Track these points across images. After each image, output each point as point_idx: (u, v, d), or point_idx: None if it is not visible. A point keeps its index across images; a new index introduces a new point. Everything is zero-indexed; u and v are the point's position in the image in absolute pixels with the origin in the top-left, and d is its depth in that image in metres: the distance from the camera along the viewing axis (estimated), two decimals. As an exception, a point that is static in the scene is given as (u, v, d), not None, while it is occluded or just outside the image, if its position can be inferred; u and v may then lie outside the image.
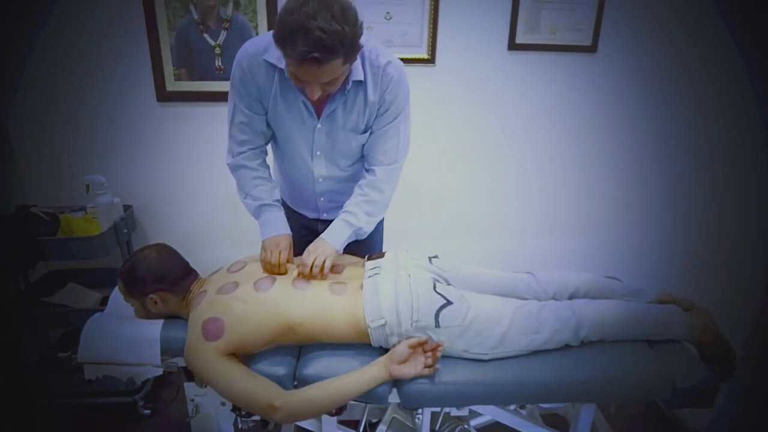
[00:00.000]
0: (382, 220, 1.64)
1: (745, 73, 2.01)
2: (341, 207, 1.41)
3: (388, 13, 1.84)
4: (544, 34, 1.91)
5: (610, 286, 1.48)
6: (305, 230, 1.58)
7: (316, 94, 1.14)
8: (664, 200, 2.24)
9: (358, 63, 1.22)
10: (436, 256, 1.44)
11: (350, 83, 1.23)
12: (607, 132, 2.11)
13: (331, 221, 1.40)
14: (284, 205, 1.60)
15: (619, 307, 1.36)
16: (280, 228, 1.38)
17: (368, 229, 1.41)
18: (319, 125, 1.32)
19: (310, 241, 1.37)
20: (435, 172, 2.11)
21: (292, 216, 1.60)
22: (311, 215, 1.57)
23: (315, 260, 1.28)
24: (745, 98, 2.06)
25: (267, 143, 1.43)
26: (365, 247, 1.52)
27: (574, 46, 1.94)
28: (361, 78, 1.24)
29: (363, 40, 1.23)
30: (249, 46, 1.26)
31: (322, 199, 1.50)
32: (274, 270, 1.31)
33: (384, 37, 1.86)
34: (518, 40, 1.91)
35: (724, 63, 2.03)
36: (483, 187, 2.16)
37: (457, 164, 2.12)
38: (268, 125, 1.36)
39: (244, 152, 1.37)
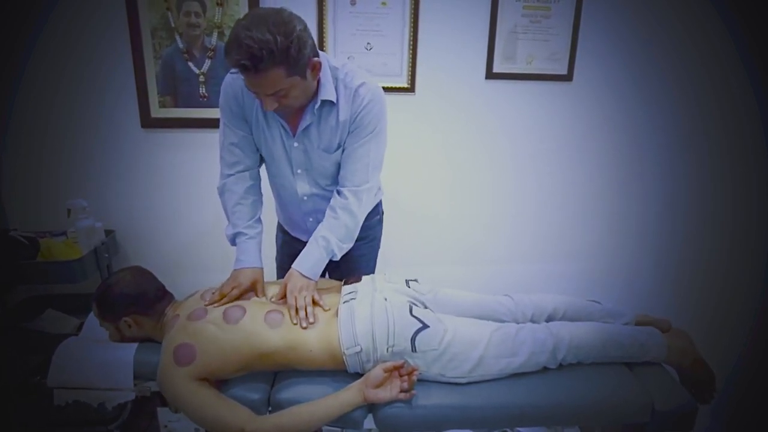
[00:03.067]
0: (379, 243, 1.65)
1: (722, 98, 2.04)
2: None
3: (368, 43, 1.89)
4: (520, 64, 1.97)
5: (588, 308, 1.48)
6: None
7: (270, 106, 1.19)
8: (646, 224, 2.26)
9: (330, 83, 1.27)
10: (414, 280, 1.44)
11: (319, 101, 1.27)
12: (583, 158, 2.15)
13: None
14: (284, 231, 1.63)
15: (596, 329, 1.36)
16: (249, 260, 1.36)
17: (339, 255, 1.40)
18: (295, 143, 1.35)
19: None
20: (416, 199, 2.12)
21: (290, 242, 1.61)
22: (304, 238, 1.54)
23: (304, 299, 1.27)
24: (724, 123, 2.09)
25: (258, 166, 1.44)
26: (358, 270, 1.52)
27: (550, 75, 1.99)
28: (333, 98, 1.28)
29: (339, 64, 1.30)
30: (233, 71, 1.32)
31: (310, 219, 1.50)
32: (222, 302, 1.28)
33: (365, 67, 1.90)
34: (495, 69, 1.96)
35: (699, 89, 2.07)
36: (463, 213, 2.18)
37: (437, 191, 2.14)
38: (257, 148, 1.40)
39: (233, 175, 1.39)
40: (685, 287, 2.25)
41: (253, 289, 1.34)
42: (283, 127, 1.33)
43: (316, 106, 1.28)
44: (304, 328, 1.23)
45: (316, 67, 1.21)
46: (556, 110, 2.06)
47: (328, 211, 1.39)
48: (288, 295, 1.29)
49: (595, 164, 2.16)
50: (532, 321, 1.42)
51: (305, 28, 1.16)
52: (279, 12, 1.13)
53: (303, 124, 1.31)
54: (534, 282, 2.24)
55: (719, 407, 1.74)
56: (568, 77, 2.00)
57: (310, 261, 1.36)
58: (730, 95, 2.07)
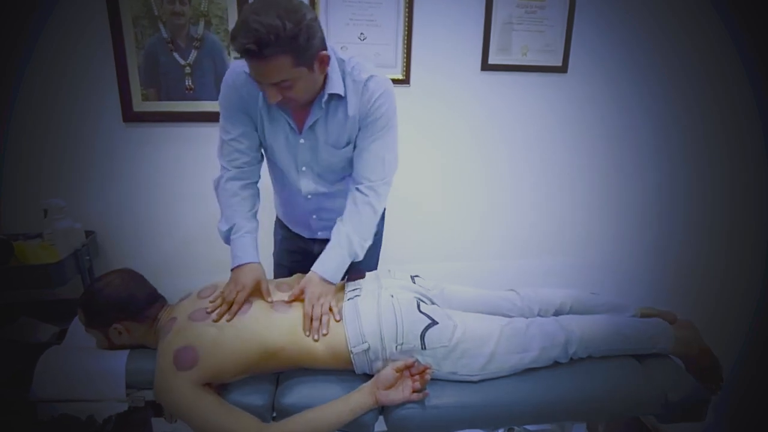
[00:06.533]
0: (381, 239, 1.61)
1: (716, 84, 2.07)
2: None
3: (362, 33, 1.86)
4: (515, 55, 1.97)
5: (593, 301, 1.47)
6: (300, 255, 1.54)
7: (273, 97, 1.14)
8: (643, 216, 2.27)
9: (338, 76, 1.23)
10: (417, 275, 1.41)
11: (326, 95, 1.22)
12: (578, 151, 2.15)
13: (326, 240, 1.35)
14: (283, 226, 1.58)
15: (606, 322, 1.35)
16: (247, 256, 1.27)
17: (362, 255, 1.35)
18: (302, 140, 1.30)
19: (302, 265, 1.33)
20: (411, 192, 2.09)
21: (290, 238, 1.57)
22: (306, 235, 1.53)
23: (322, 308, 1.21)
24: (719, 110, 2.12)
25: (258, 163, 1.38)
26: (360, 267, 1.46)
27: (544, 67, 2.00)
28: (341, 92, 1.23)
29: (347, 57, 1.26)
30: (235, 65, 1.27)
31: (314, 216, 1.46)
32: (232, 310, 1.19)
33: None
34: (491, 60, 1.96)
35: (697, 81, 2.09)
36: (459, 206, 2.16)
37: (432, 184, 2.11)
38: (260, 144, 1.35)
39: (231, 171, 1.33)
40: (685, 281, 2.27)
41: (257, 289, 1.25)
42: (288, 123, 1.28)
43: (324, 100, 1.23)
44: (316, 340, 1.17)
45: (324, 61, 1.16)
46: (551, 102, 2.06)
47: (349, 206, 1.33)
48: (306, 303, 1.22)
49: (591, 157, 2.17)
50: (540, 316, 1.40)
51: (315, 18, 1.11)
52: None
53: (310, 120, 1.26)
54: (530, 276, 2.21)
55: (720, 405, 1.75)
56: (562, 69, 2.01)
57: (333, 264, 1.30)
58: (729, 89, 2.09)
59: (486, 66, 1.96)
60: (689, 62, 2.06)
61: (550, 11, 1.92)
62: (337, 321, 1.21)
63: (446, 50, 1.93)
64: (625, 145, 2.17)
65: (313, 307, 1.21)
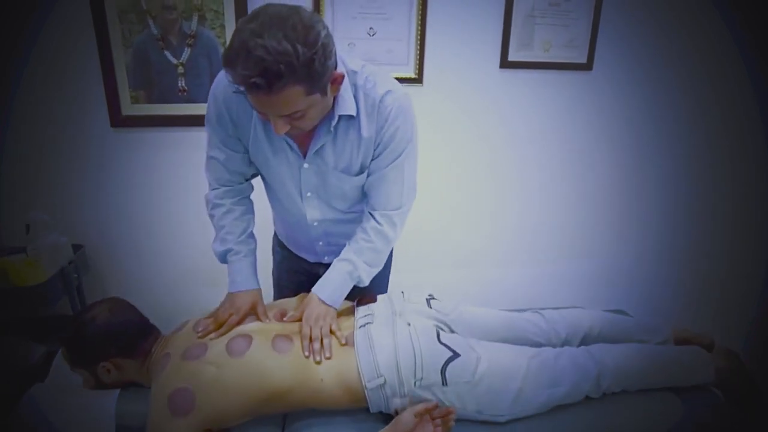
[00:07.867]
0: (392, 258, 1.49)
1: (749, 86, 2.00)
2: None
3: (371, 28, 1.74)
4: (537, 51, 1.86)
5: (622, 324, 1.38)
6: (303, 276, 1.43)
7: (282, 129, 0.98)
8: (662, 221, 2.22)
9: (348, 93, 1.05)
10: (433, 297, 1.31)
11: (336, 117, 1.06)
12: (603, 153, 2.07)
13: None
14: (284, 247, 1.48)
15: (640, 353, 1.26)
16: (246, 282, 1.22)
17: (367, 281, 1.25)
18: (306, 165, 1.15)
19: (307, 288, 1.24)
20: (422, 199, 1.97)
21: (291, 259, 1.46)
22: (311, 259, 1.42)
23: (320, 330, 1.13)
24: (750, 112, 2.05)
25: (248, 180, 1.28)
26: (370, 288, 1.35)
27: (568, 64, 1.89)
28: (352, 112, 1.06)
29: (358, 66, 1.09)
30: (223, 76, 1.09)
31: (320, 243, 1.34)
32: (221, 331, 1.15)
33: (367, 55, 1.75)
34: (511, 57, 1.85)
35: (725, 79, 2.02)
36: (473, 212, 2.08)
37: (445, 189, 2.02)
38: (250, 163, 1.22)
39: (219, 189, 1.24)
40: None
41: (253, 312, 1.20)
42: (289, 145, 1.12)
43: (333, 123, 1.07)
44: (317, 362, 1.09)
45: (338, 80, 1.00)
46: (575, 101, 1.97)
47: (359, 233, 1.23)
48: (303, 322, 1.15)
49: (616, 158, 2.09)
50: (567, 341, 1.31)
51: (328, 31, 0.93)
52: (297, 12, 0.89)
53: (316, 144, 1.11)
54: (552, 282, 2.18)
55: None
56: (587, 66, 1.91)
57: (331, 286, 1.22)
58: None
59: (505, 63, 1.85)
60: (724, 58, 1.98)
61: (576, 4, 1.80)
62: (342, 345, 1.13)
63: (463, 46, 1.82)
64: (653, 147, 2.08)
65: (311, 328, 1.13)
